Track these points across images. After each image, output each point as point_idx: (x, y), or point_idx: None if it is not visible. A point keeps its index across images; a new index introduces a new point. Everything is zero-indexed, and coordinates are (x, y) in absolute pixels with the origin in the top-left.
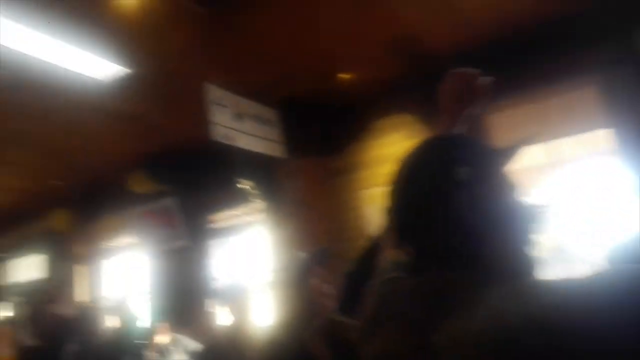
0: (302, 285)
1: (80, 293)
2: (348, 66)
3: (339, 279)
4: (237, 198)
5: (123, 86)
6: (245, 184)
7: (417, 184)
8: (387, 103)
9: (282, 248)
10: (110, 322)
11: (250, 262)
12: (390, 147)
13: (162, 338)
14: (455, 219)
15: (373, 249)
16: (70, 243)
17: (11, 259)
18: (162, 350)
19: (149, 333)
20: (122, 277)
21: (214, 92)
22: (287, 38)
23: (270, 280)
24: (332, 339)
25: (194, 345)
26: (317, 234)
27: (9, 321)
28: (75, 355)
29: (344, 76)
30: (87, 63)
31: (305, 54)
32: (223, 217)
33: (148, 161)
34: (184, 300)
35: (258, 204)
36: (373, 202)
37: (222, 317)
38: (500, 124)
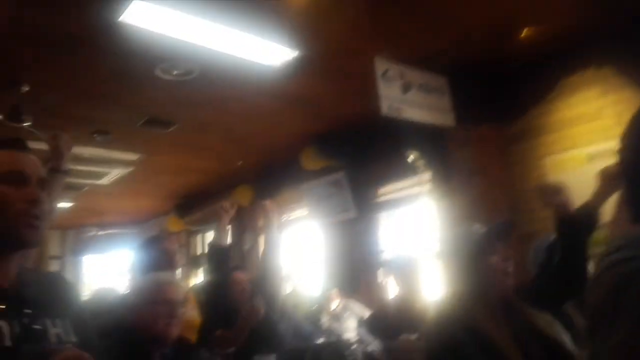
0: (480, 261)
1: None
2: (531, 20)
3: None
4: (405, 170)
5: (294, 69)
6: (413, 156)
7: None
8: (576, 57)
9: (452, 220)
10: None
11: (418, 234)
12: (582, 106)
13: (335, 303)
14: None
15: (577, 222)
16: (252, 216)
17: (203, 231)
18: (336, 315)
19: (323, 299)
20: (297, 248)
21: (382, 65)
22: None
23: (439, 252)
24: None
25: (363, 310)
26: (491, 205)
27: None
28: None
29: (526, 32)
30: (259, 50)
31: (479, 13)
32: (391, 190)
33: (319, 139)
34: (353, 270)
35: (426, 175)
36: (563, 168)
37: (390, 287)
38: None
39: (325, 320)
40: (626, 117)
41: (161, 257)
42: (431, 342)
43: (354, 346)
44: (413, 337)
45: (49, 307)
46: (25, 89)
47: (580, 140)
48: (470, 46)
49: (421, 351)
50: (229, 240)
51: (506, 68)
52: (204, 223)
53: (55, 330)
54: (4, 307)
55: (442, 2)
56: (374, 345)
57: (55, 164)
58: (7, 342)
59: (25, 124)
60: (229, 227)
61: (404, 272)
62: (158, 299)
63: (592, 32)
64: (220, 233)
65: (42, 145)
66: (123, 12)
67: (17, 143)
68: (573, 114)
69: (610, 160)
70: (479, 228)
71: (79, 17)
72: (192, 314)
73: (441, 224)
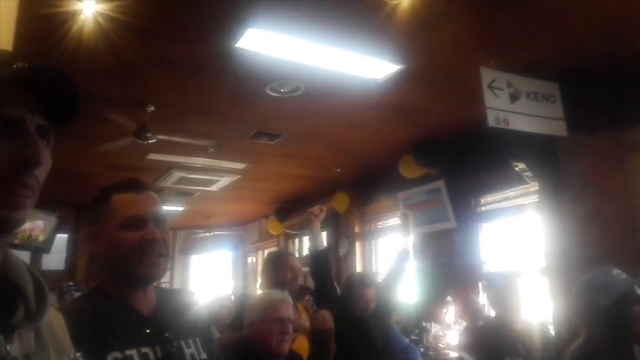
0: (622, 310)
1: (356, 267)
2: None
3: None
4: (510, 179)
5: (396, 81)
6: (519, 165)
7: None
8: None
9: (561, 236)
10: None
11: (522, 248)
12: None
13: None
14: None
15: None
16: (349, 221)
17: (302, 235)
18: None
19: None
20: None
21: (489, 75)
22: (572, 2)
23: (545, 270)
24: None
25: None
26: (606, 220)
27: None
28: None
29: None
30: (362, 65)
31: (592, 18)
32: (494, 199)
33: (417, 147)
34: (448, 281)
35: (533, 185)
36: None
37: (488, 304)
38: None
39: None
40: None
41: (286, 273)
42: None
43: None
44: None
45: (183, 328)
46: (151, 109)
47: None
48: (583, 52)
49: None
50: (324, 244)
51: (622, 74)
52: (302, 227)
53: (189, 350)
54: (148, 332)
55: (552, 8)
56: None
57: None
58: None
59: (150, 141)
60: (323, 231)
61: (504, 291)
62: (271, 316)
63: None
64: (314, 238)
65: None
66: (239, 39)
67: (134, 185)
68: None
69: None
70: (619, 274)
71: (200, 44)
72: (306, 325)
73: (548, 239)
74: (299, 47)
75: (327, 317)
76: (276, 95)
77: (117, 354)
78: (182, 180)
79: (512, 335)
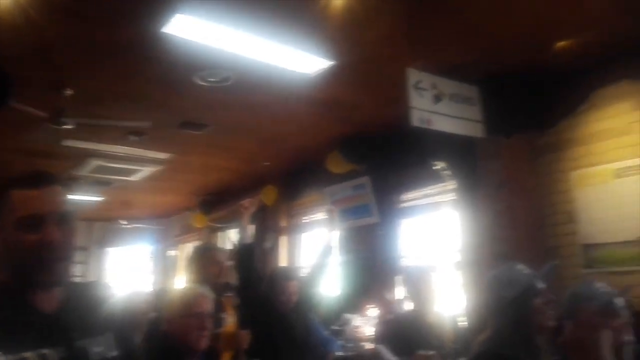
0: (525, 303)
1: (281, 260)
2: (564, 32)
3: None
4: (430, 177)
5: (327, 76)
6: (439, 164)
7: None
8: (609, 71)
9: (475, 231)
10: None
11: (439, 243)
12: (612, 120)
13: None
14: None
15: None
16: (275, 215)
17: (227, 228)
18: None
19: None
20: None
21: (414, 76)
22: (492, 10)
23: (459, 265)
24: None
25: (379, 320)
26: (517, 218)
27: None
28: None
29: (559, 44)
30: (293, 59)
31: (512, 23)
32: (414, 196)
33: (345, 143)
34: (371, 276)
35: (452, 184)
36: (589, 183)
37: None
38: None
39: (347, 325)
40: None
41: (212, 268)
42: None
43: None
44: (430, 352)
45: (91, 325)
46: (69, 92)
47: (607, 155)
48: (502, 56)
49: None
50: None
51: (539, 79)
52: (228, 221)
53: (97, 349)
54: (49, 331)
55: (475, 12)
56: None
57: None
58: None
59: (67, 127)
60: (252, 225)
61: (419, 284)
62: (190, 312)
63: (626, 46)
64: (242, 231)
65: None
66: (166, 24)
67: (34, 179)
68: (603, 127)
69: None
70: (523, 269)
71: (124, 27)
72: (230, 320)
73: (463, 236)
74: (229, 36)
75: (245, 338)
76: (204, 84)
77: (11, 358)
78: (100, 169)
79: (426, 327)
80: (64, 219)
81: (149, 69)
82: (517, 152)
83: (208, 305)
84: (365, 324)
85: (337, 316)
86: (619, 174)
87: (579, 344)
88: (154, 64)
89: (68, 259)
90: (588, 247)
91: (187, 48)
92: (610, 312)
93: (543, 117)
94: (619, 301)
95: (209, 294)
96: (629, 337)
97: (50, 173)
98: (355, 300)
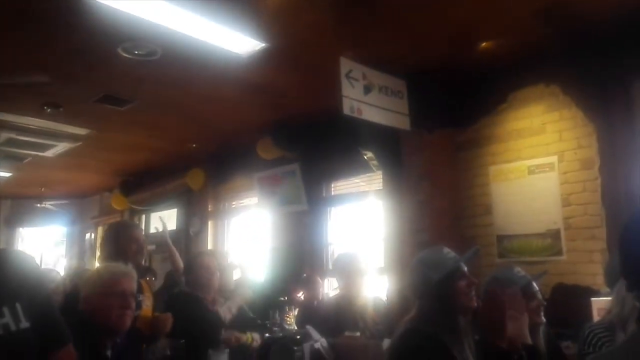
0: (449, 286)
1: (209, 246)
2: (488, 35)
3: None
4: (358, 167)
5: (259, 59)
6: (367, 153)
7: None
8: (528, 73)
9: (398, 220)
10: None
11: (366, 231)
12: (528, 120)
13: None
14: None
15: None
16: (202, 200)
17: (152, 211)
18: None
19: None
20: (246, 234)
21: (347, 65)
22: (421, 8)
23: (383, 251)
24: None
25: (307, 305)
26: (436, 209)
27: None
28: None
29: (483, 45)
30: (225, 37)
31: (438, 22)
32: (343, 185)
33: (276, 128)
34: (299, 262)
35: (378, 174)
36: (505, 178)
37: (333, 282)
38: None
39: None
40: (566, 134)
41: (131, 245)
42: (399, 351)
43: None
44: (356, 333)
45: None
46: None
47: (523, 153)
48: (429, 53)
49: (364, 348)
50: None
51: (462, 77)
52: (150, 203)
53: (2, 320)
54: None
55: (403, 8)
56: (321, 342)
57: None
58: None
59: None
60: (174, 208)
61: (347, 269)
62: (111, 290)
63: (543, 52)
64: None
65: None
66: None
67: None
68: (519, 126)
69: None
70: (448, 252)
71: None
72: (147, 303)
73: (387, 224)
74: (158, 8)
75: (168, 322)
76: (129, 56)
77: None
78: (10, 142)
79: (353, 310)
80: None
81: (68, 38)
82: (438, 147)
83: (131, 284)
84: (295, 309)
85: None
86: (532, 170)
87: (490, 323)
88: (73, 33)
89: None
90: (502, 237)
91: (111, 17)
92: (528, 294)
93: (464, 114)
94: (535, 285)
95: (132, 272)
96: (541, 318)
97: None
98: (284, 286)
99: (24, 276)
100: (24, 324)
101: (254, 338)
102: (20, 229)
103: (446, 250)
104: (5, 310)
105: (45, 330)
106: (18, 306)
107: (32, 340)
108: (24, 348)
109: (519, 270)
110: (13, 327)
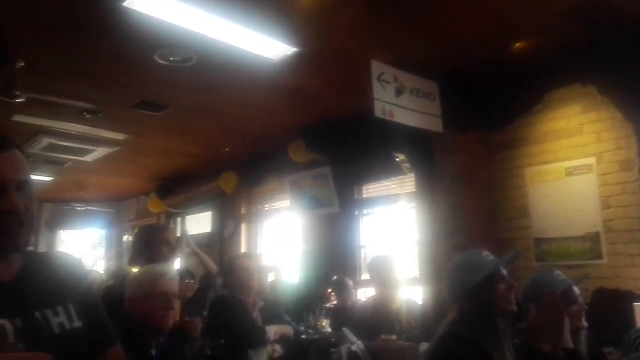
0: (488, 289)
1: (243, 248)
2: (523, 35)
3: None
4: (390, 170)
5: (291, 64)
6: (399, 156)
7: None
8: (563, 73)
9: (433, 223)
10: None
11: (399, 234)
12: (564, 121)
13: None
14: None
15: None
16: (236, 203)
17: (186, 214)
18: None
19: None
20: (279, 237)
21: (378, 68)
22: (455, 7)
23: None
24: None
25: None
26: (471, 211)
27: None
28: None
29: (518, 45)
30: (258, 43)
31: (473, 23)
32: (375, 188)
33: (307, 132)
34: (333, 265)
35: (410, 177)
36: (541, 180)
37: (368, 285)
38: None
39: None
40: (604, 135)
41: (162, 248)
42: (439, 355)
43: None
44: (392, 337)
45: (50, 296)
46: (21, 64)
47: (559, 154)
48: (462, 55)
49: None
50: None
51: (496, 78)
52: (186, 207)
53: (58, 319)
54: (5, 301)
55: (437, 11)
56: (358, 344)
57: None
58: (11, 339)
59: (18, 100)
60: (209, 211)
61: (382, 273)
62: (154, 291)
63: (578, 51)
64: None
65: None
66: None
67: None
68: (555, 127)
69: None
70: (487, 255)
71: (84, 1)
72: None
73: (421, 227)
74: (193, 16)
75: (197, 326)
76: (165, 63)
77: None
78: (51, 148)
79: (389, 313)
80: (24, 185)
81: (107, 45)
82: (472, 148)
83: (173, 285)
84: (329, 312)
85: (297, 304)
86: (570, 172)
87: (543, 327)
88: (113, 40)
89: (28, 226)
90: (540, 241)
91: (149, 25)
92: (569, 298)
93: (499, 115)
94: (576, 289)
95: (173, 273)
96: (583, 323)
97: (11, 138)
98: (317, 289)
99: (76, 278)
100: (77, 323)
101: (274, 349)
102: (61, 231)
103: (485, 253)
104: (60, 309)
105: (96, 330)
106: (71, 307)
107: (85, 339)
108: (78, 347)
109: (560, 274)
110: (68, 327)
